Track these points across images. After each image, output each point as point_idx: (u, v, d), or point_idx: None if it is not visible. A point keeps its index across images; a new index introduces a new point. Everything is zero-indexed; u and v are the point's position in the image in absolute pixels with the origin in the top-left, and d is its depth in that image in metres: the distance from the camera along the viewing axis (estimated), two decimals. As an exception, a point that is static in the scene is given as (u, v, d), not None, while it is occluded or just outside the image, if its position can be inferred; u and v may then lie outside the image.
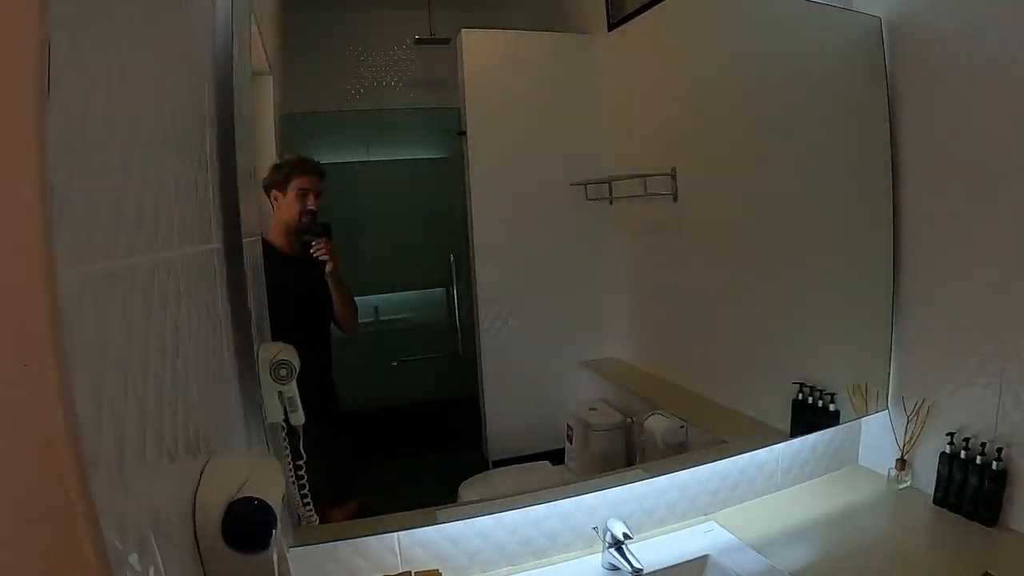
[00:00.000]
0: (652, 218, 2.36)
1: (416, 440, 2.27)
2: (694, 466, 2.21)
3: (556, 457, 2.33)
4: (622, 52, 2.34)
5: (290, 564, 1.14)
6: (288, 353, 1.57)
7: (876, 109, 2.35)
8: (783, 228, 2.35)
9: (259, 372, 1.51)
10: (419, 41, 2.25)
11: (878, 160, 2.36)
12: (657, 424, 2.24)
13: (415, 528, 1.84)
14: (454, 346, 2.25)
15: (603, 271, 2.38)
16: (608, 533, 1.91)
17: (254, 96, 2.01)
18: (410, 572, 1.66)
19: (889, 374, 2.35)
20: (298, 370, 1.57)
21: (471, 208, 2.21)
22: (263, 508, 0.92)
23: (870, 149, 2.38)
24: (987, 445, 1.99)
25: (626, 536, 1.87)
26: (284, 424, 1.60)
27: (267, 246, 1.87)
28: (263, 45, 1.95)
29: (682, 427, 2.23)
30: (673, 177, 2.25)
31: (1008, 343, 1.95)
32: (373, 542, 1.80)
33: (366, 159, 2.27)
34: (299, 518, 1.72)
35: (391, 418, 2.23)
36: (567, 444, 2.32)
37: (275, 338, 1.73)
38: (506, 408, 2.30)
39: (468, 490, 2.20)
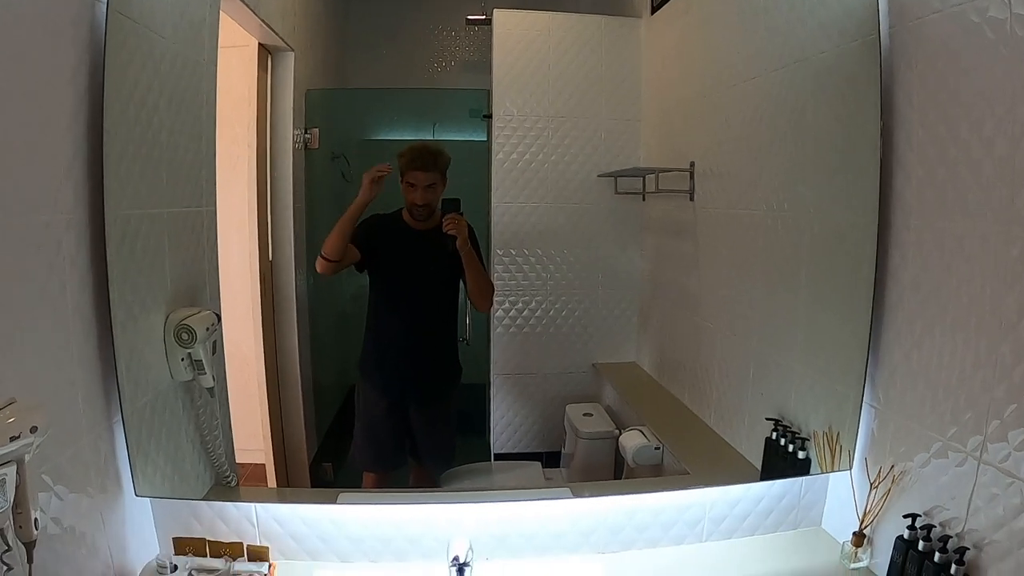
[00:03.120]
0: (674, 217, 2.13)
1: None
2: (630, 493, 1.82)
3: (557, 459, 2.16)
4: (657, 37, 2.12)
5: (35, 515, 1.07)
6: (198, 319, 1.48)
7: (868, 102, 1.71)
8: (775, 242, 1.94)
9: (164, 335, 1.47)
10: (469, 22, 2.12)
11: (867, 169, 1.73)
12: (629, 441, 1.99)
13: (269, 503, 1.68)
14: (462, 332, 2.07)
15: (629, 270, 2.18)
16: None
17: (278, 73, 1.97)
18: (241, 544, 1.53)
19: (857, 428, 1.80)
20: (204, 336, 1.49)
21: (492, 194, 2.08)
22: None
23: (859, 155, 1.77)
24: (950, 540, 1.49)
25: (457, 560, 1.45)
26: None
27: (400, 220, 1.96)
28: (266, 24, 1.88)
29: (657, 448, 1.97)
30: (691, 174, 2.01)
31: (993, 414, 1.42)
32: (232, 509, 1.66)
33: (391, 138, 2.14)
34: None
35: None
36: (563, 447, 2.12)
37: (398, 303, 1.98)
38: (513, 401, 2.14)
39: (446, 479, 2.07)
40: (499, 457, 2.15)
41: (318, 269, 1.90)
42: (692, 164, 2.00)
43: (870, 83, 1.68)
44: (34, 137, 1.15)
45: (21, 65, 1.11)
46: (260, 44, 1.93)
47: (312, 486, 2.16)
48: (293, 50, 1.96)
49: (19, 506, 1.03)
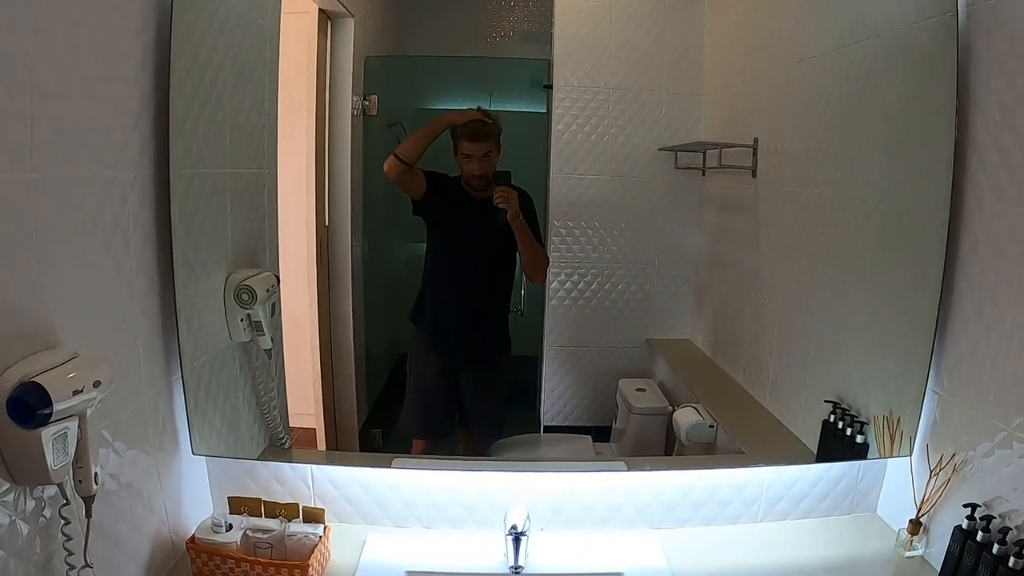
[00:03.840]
0: (735, 194, 2.07)
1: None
2: (686, 469, 1.79)
3: (606, 434, 2.12)
4: (722, 9, 2.05)
5: (95, 470, 1.06)
6: (258, 280, 1.48)
7: (943, 82, 1.60)
8: (841, 222, 1.86)
9: (224, 296, 1.47)
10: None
11: (940, 151, 1.62)
12: (684, 418, 1.96)
13: (326, 465, 1.68)
14: (517, 303, 2.05)
15: (686, 246, 2.11)
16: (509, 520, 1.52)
17: (337, 39, 1.94)
18: (296, 506, 1.51)
19: (920, 414, 1.73)
20: (264, 297, 1.48)
21: (551, 165, 2.02)
22: (35, 393, 0.94)
23: (931, 137, 1.65)
24: (1010, 533, 1.42)
25: (515, 529, 1.46)
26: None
27: (460, 185, 1.92)
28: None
29: (711, 426, 1.93)
30: (754, 151, 1.95)
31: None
32: (288, 470, 1.66)
33: (448, 106, 2.10)
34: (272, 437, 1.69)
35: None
36: (614, 422, 2.08)
37: (452, 267, 1.99)
38: (564, 374, 2.10)
39: (495, 449, 2.08)
40: (549, 430, 2.12)
41: (385, 168, 1.88)
42: (756, 140, 1.93)
43: (946, 63, 1.59)
44: (102, 90, 1.13)
45: (90, 17, 1.09)
46: (320, 9, 1.91)
47: (361, 452, 2.15)
48: (353, 16, 1.94)
49: (79, 460, 1.02)
